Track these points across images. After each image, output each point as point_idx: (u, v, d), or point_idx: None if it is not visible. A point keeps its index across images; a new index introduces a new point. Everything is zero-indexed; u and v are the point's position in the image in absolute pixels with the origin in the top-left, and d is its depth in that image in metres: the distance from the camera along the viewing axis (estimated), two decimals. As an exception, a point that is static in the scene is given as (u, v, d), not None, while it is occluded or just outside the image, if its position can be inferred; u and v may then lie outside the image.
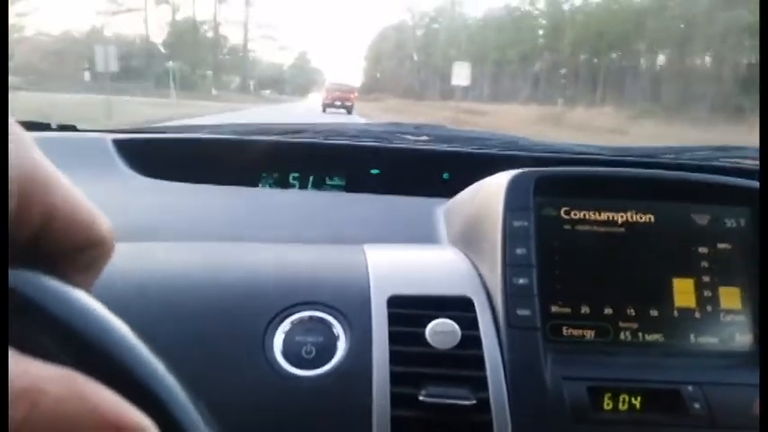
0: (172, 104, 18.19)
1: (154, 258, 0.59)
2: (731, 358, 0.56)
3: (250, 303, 0.53)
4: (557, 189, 0.61)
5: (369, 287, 0.55)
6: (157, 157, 0.96)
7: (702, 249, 0.60)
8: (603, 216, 0.60)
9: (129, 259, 0.57)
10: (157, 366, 0.20)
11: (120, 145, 0.94)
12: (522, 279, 0.54)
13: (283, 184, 1.05)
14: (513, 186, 0.60)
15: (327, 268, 0.60)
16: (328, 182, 1.06)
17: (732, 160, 1.14)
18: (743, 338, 0.58)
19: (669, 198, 0.61)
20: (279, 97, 54.33)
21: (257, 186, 1.03)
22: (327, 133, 1.13)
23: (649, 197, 0.61)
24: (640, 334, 0.57)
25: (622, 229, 0.60)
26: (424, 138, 1.16)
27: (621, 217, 0.60)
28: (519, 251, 0.56)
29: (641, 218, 0.60)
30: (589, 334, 0.57)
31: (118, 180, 0.86)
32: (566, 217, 0.60)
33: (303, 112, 19.55)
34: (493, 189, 0.63)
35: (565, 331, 0.56)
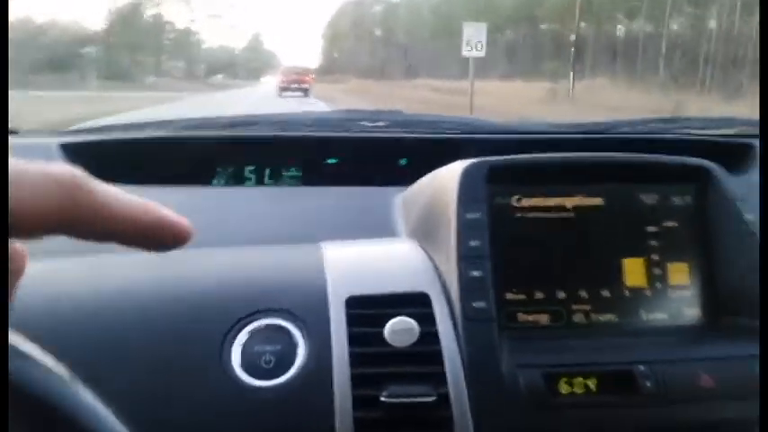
0: (93, 98, 13.97)
1: (101, 275, 0.58)
2: (680, 334, 0.58)
3: (204, 316, 0.53)
4: (508, 178, 0.61)
5: (326, 289, 0.55)
6: (107, 159, 0.93)
7: (651, 228, 0.61)
8: (553, 202, 0.61)
9: (74, 277, 0.56)
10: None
11: (67, 150, 0.91)
12: (476, 271, 0.55)
13: (239, 178, 1.04)
14: (465, 178, 0.60)
15: (284, 272, 0.60)
16: (285, 173, 1.05)
17: (682, 131, 1.18)
18: (691, 312, 0.60)
19: (617, 180, 0.63)
20: (231, 82, 51.36)
21: (212, 182, 1.02)
22: (282, 124, 1.11)
23: (598, 180, 0.62)
24: (593, 315, 0.59)
25: (572, 214, 0.61)
26: (381, 124, 1.16)
27: (571, 201, 0.61)
28: (473, 243, 0.56)
29: (590, 201, 0.61)
30: (543, 318, 0.58)
31: None
32: (517, 205, 0.61)
33: (256, 101, 17.86)
34: (446, 181, 0.63)
35: (520, 318, 0.58)
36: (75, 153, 0.91)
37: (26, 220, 0.21)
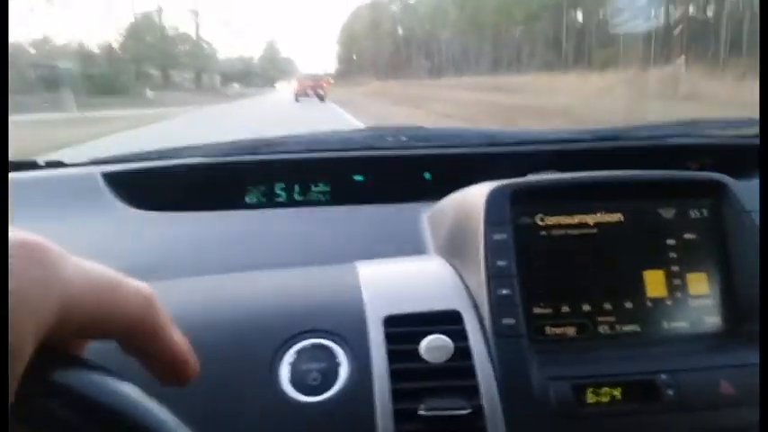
0: (74, 120, 12.50)
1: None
2: (701, 342, 0.61)
3: (254, 339, 0.57)
4: (531, 198, 0.65)
5: (364, 309, 0.59)
6: (147, 187, 0.98)
7: (670, 241, 0.64)
8: (575, 219, 0.64)
9: None
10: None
11: (108, 179, 0.96)
12: (505, 290, 0.58)
13: (270, 195, 1.08)
14: (491, 201, 0.64)
15: (324, 294, 0.64)
16: (314, 189, 1.10)
17: (701, 135, 1.19)
18: (711, 320, 0.63)
19: (635, 196, 0.66)
20: (247, 90, 50.19)
21: (245, 200, 1.07)
22: (309, 144, 1.16)
23: (617, 197, 0.66)
24: (617, 326, 0.62)
25: (594, 230, 0.64)
26: (403, 139, 1.19)
27: (592, 218, 0.64)
28: (500, 263, 0.60)
29: (611, 217, 0.65)
30: (570, 331, 0.61)
31: (110, 216, 0.89)
32: (541, 224, 0.64)
33: (270, 109, 19.01)
34: (472, 202, 0.67)
35: (548, 331, 0.61)
36: (115, 181, 0.96)
37: (112, 326, 0.25)
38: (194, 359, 0.30)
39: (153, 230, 0.86)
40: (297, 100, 23.87)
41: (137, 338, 0.27)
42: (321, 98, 23.76)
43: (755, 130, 1.19)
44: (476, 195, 0.67)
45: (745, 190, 0.67)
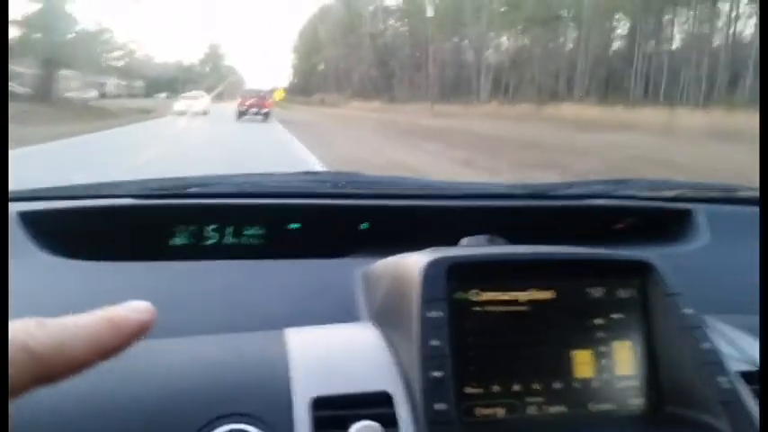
0: None
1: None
2: (625, 424, 0.62)
3: (168, 424, 0.53)
4: (466, 273, 0.64)
5: (290, 390, 0.57)
6: (63, 230, 0.92)
7: (598, 321, 0.65)
8: (508, 296, 0.64)
9: None
10: None
11: (25, 219, 0.89)
12: (437, 372, 0.57)
13: (199, 238, 1.04)
14: (427, 276, 0.63)
15: (246, 370, 0.60)
16: (247, 233, 1.06)
17: (627, 194, 1.24)
18: (636, 402, 0.64)
19: (567, 274, 0.67)
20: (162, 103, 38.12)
21: (172, 242, 1.02)
22: (243, 185, 1.13)
23: (549, 275, 0.66)
24: (545, 407, 0.62)
25: (526, 307, 0.64)
26: (342, 185, 1.19)
27: (525, 295, 0.65)
28: (434, 343, 0.59)
29: (543, 295, 0.65)
30: (500, 412, 0.61)
31: (26, 263, 0.82)
32: (475, 299, 0.64)
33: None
34: (408, 274, 0.66)
35: (477, 412, 0.60)
36: (33, 223, 0.89)
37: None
38: (121, 322, 0.28)
39: (65, 282, 0.80)
40: (239, 117, 22.47)
41: (51, 376, 0.26)
42: (265, 117, 22.90)
43: (675, 192, 1.26)
44: (411, 266, 0.66)
45: (671, 260, 0.69)
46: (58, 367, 0.25)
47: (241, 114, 22.90)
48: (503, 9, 35.42)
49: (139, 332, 0.28)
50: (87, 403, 0.54)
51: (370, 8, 45.74)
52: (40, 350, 0.24)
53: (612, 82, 30.08)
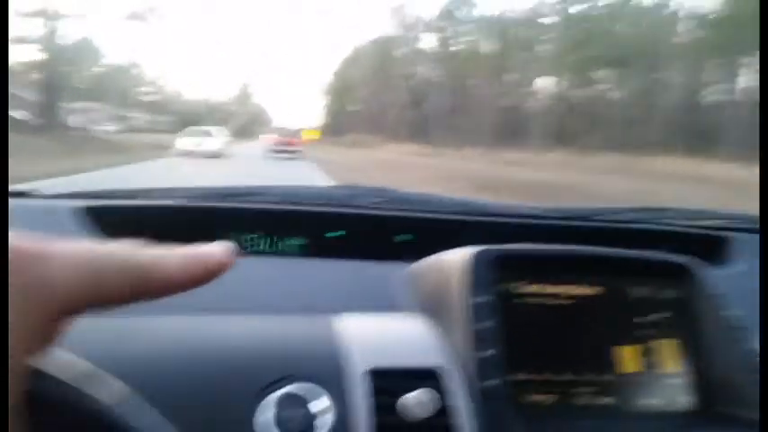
0: None
1: (128, 338, 0.60)
2: (674, 420, 0.62)
3: (234, 381, 0.55)
4: (513, 265, 0.66)
5: (348, 360, 0.58)
6: (115, 225, 0.96)
7: (643, 318, 0.67)
8: (554, 290, 0.66)
9: (101, 339, 0.57)
10: None
11: (76, 213, 0.94)
12: (489, 351, 0.59)
13: (240, 245, 1.07)
14: (474, 264, 0.65)
15: (306, 341, 0.62)
16: (287, 242, 1.09)
17: (665, 222, 1.25)
18: (684, 399, 0.64)
19: (611, 272, 0.68)
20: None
21: None
22: (284, 196, 1.16)
23: (594, 272, 0.68)
24: (595, 398, 0.62)
25: (571, 302, 0.66)
26: (379, 200, 1.21)
27: (570, 290, 0.66)
28: (485, 324, 0.60)
29: (587, 291, 0.67)
30: (550, 399, 0.62)
31: None
32: (521, 291, 0.65)
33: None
34: (454, 265, 0.68)
35: (529, 397, 0.61)
36: (83, 217, 0.94)
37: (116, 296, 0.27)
38: (206, 256, 0.31)
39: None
40: (267, 158, 22.07)
41: (145, 292, 0.28)
42: (296, 157, 22.67)
43: (719, 222, 1.26)
44: (457, 259, 0.68)
45: (711, 275, 0.70)
46: (153, 283, 0.28)
47: (270, 154, 22.89)
48: (566, 46, 31.66)
49: (221, 267, 0.31)
50: (149, 362, 0.56)
51: (404, 50, 43.44)
52: (137, 263, 0.28)
53: (702, 131, 25.63)
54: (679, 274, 0.70)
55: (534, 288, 0.66)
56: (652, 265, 0.71)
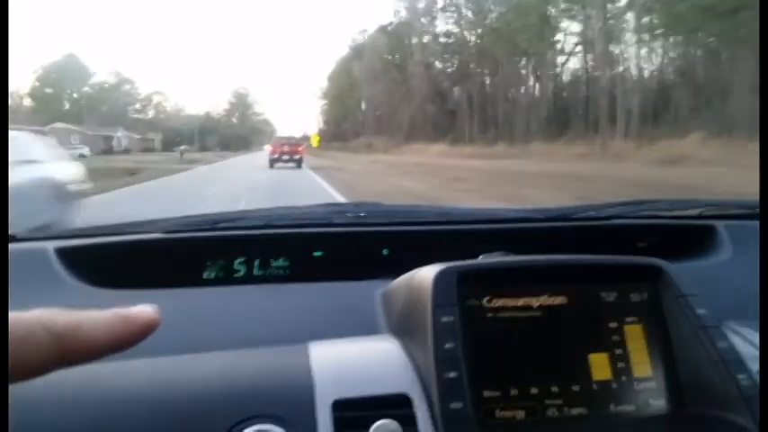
0: None
1: (99, 382, 0.61)
2: (647, 425, 0.62)
3: (200, 424, 0.56)
4: (478, 281, 0.66)
5: (313, 393, 0.59)
6: (101, 263, 0.97)
7: (612, 324, 0.67)
8: (521, 302, 0.66)
9: (73, 383, 0.59)
10: None
11: (61, 254, 0.95)
12: (452, 373, 0.59)
13: (229, 272, 1.08)
14: (438, 283, 0.65)
15: (272, 377, 0.63)
16: (273, 264, 1.10)
17: (647, 214, 1.25)
18: (657, 403, 0.64)
19: (578, 280, 0.68)
20: (199, 156, 34.19)
21: (203, 276, 1.06)
22: (268, 218, 1.17)
23: (561, 281, 0.68)
24: (565, 409, 0.62)
25: (539, 313, 0.66)
26: (362, 215, 1.22)
27: (537, 301, 0.66)
28: (447, 345, 0.61)
29: (555, 300, 0.67)
30: (520, 414, 0.62)
31: (62, 294, 0.87)
32: (488, 306, 0.66)
33: None
34: (421, 284, 0.68)
35: (497, 414, 0.61)
36: (69, 257, 0.95)
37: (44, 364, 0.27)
38: (132, 316, 0.31)
39: (97, 307, 0.84)
40: (271, 166, 23.12)
41: (69, 358, 0.28)
42: (298, 164, 23.35)
43: (698, 210, 1.26)
44: (424, 277, 0.68)
45: (685, 272, 0.70)
46: (75, 349, 0.27)
47: (273, 162, 23.35)
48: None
49: (146, 328, 0.31)
50: (119, 405, 0.57)
51: (424, 39, 35.76)
52: (60, 330, 0.27)
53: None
54: (647, 276, 0.70)
55: (501, 302, 0.66)
56: (619, 268, 0.71)
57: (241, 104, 69.97)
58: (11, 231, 1.07)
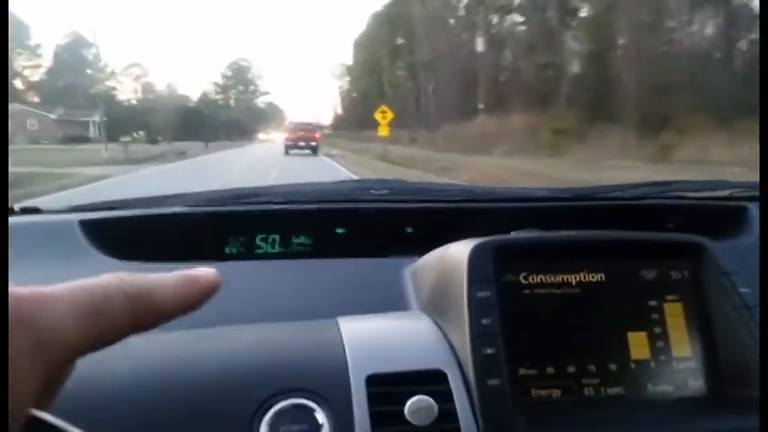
0: None
1: (129, 356, 0.60)
2: (685, 406, 0.61)
3: (232, 397, 0.55)
4: (514, 256, 0.65)
5: (347, 368, 0.58)
6: (125, 236, 0.96)
7: (652, 302, 0.65)
8: (559, 278, 0.64)
9: (105, 357, 0.58)
10: None
11: (86, 227, 0.95)
12: (489, 349, 0.58)
13: (250, 247, 1.07)
14: (474, 258, 0.63)
15: (305, 351, 0.62)
16: (295, 241, 1.09)
17: (675, 195, 1.22)
18: (695, 384, 0.63)
19: (617, 256, 0.66)
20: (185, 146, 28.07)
21: (225, 251, 1.05)
22: (290, 195, 1.16)
23: (599, 257, 0.66)
24: (602, 389, 0.61)
25: (577, 290, 0.64)
26: (385, 192, 1.20)
27: (575, 278, 0.65)
28: (484, 321, 0.59)
29: (593, 277, 0.65)
30: (556, 393, 0.61)
31: (87, 265, 0.87)
32: (525, 282, 0.64)
33: None
34: (455, 259, 0.67)
35: (533, 393, 0.60)
36: (94, 230, 0.94)
37: (112, 333, 0.26)
38: (198, 276, 0.31)
39: None
40: (287, 152, 22.38)
41: (144, 322, 0.27)
42: (314, 150, 22.54)
43: (728, 192, 1.23)
44: (458, 252, 0.67)
45: (723, 252, 0.68)
46: (148, 313, 0.27)
47: (288, 149, 22.73)
48: None
49: (211, 289, 0.31)
50: (153, 378, 0.57)
51: None
52: (133, 293, 0.26)
53: None
54: (688, 254, 0.68)
55: (538, 278, 0.64)
56: (660, 245, 0.69)
57: (240, 80, 57.41)
58: (36, 204, 1.07)
